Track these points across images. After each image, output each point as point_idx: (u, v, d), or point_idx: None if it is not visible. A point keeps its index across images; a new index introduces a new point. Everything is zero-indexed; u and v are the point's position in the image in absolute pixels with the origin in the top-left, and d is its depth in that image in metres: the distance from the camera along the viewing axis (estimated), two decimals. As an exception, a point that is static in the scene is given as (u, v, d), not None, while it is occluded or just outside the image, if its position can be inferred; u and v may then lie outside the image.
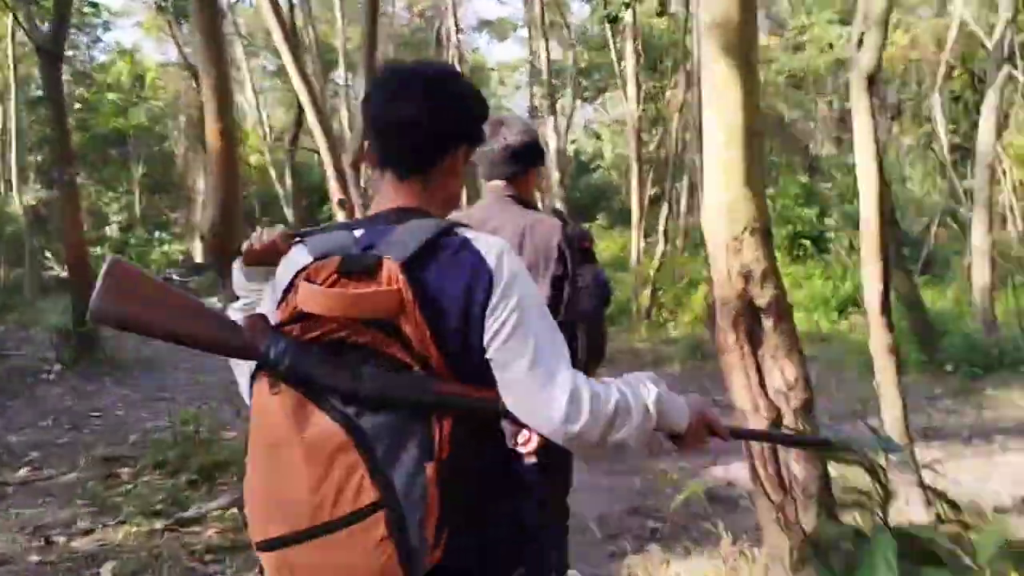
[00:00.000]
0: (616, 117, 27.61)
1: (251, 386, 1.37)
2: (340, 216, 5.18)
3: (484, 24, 31.27)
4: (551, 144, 12.33)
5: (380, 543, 1.23)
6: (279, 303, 1.37)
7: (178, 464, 4.93)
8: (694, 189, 14.19)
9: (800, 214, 14.40)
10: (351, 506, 1.23)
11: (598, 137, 29.22)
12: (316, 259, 1.34)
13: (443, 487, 1.26)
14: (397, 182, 1.47)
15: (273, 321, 1.35)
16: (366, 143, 1.56)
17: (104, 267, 1.30)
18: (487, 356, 1.34)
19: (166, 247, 20.90)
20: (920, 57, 17.66)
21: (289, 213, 19.49)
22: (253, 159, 24.87)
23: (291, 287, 1.34)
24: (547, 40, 11.77)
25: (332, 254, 1.33)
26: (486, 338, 1.33)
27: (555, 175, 11.81)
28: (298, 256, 1.42)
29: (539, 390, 1.31)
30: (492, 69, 35.73)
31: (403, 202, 1.47)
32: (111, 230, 23.49)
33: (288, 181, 10.04)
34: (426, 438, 1.27)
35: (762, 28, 22.98)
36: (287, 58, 5.47)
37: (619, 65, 13.01)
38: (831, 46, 21.06)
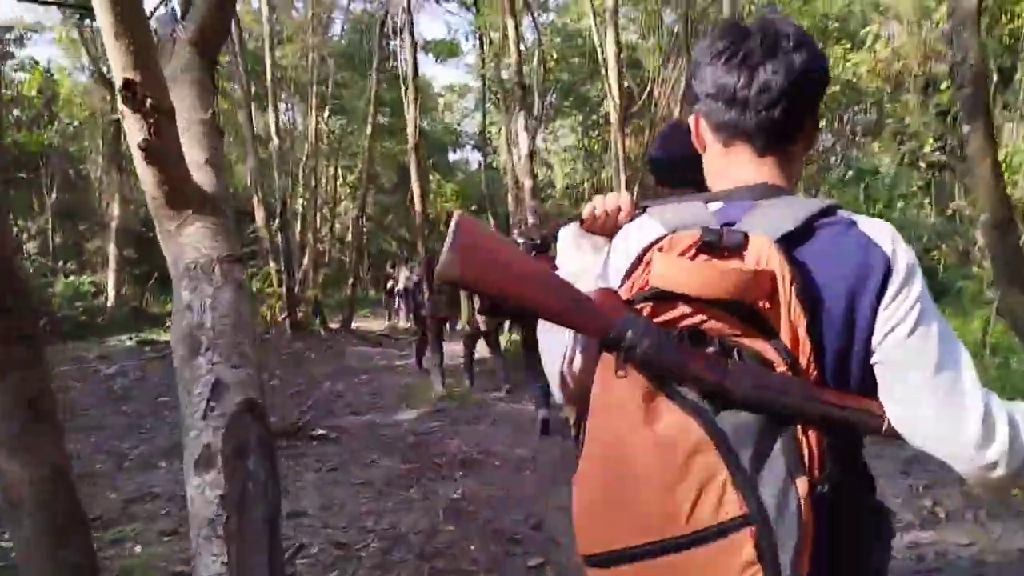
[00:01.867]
0: (565, 146, 28.08)
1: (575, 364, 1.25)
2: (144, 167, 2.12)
3: (427, 45, 28.86)
4: (522, 146, 10.54)
5: (746, 568, 0.97)
6: (623, 280, 1.16)
7: None
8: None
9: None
10: (712, 519, 0.99)
11: (548, 166, 28.59)
12: (669, 232, 1.13)
13: (818, 512, 0.99)
14: (756, 158, 1.22)
15: None
16: (693, 116, 1.27)
17: (452, 224, 1.11)
18: (873, 359, 1.09)
19: (72, 278, 18.46)
20: (904, 69, 16.27)
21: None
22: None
23: (639, 261, 1.14)
24: (518, 27, 10.04)
25: (688, 227, 1.12)
26: (877, 336, 1.08)
27: (527, 182, 10.04)
28: (647, 228, 1.21)
29: (944, 401, 1.04)
30: (440, 94, 33.99)
31: (763, 180, 1.20)
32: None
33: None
34: (793, 450, 1.01)
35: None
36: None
37: (600, 54, 11.38)
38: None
